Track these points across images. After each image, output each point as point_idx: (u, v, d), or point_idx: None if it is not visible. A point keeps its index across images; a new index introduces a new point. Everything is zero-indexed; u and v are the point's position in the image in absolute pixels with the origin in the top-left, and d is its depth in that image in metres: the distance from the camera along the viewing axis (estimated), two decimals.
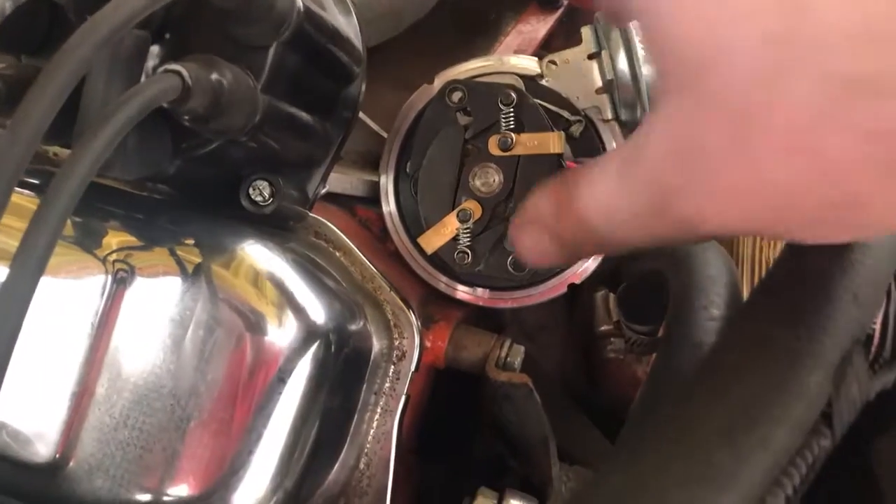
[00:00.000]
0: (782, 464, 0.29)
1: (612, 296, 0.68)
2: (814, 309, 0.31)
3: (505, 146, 0.52)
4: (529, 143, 0.53)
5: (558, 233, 0.34)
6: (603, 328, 0.68)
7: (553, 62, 0.55)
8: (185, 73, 0.35)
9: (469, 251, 0.54)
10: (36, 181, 0.46)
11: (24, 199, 0.44)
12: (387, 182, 0.58)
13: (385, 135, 0.62)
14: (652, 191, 0.29)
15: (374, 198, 0.60)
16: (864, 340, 0.32)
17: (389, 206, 0.59)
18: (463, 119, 0.54)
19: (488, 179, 0.53)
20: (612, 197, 0.31)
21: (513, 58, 0.57)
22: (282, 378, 0.43)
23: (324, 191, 0.55)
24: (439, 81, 0.56)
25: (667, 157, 0.27)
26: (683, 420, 0.29)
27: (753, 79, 0.24)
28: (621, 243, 0.33)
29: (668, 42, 0.27)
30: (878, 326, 0.35)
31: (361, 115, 0.60)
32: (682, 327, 0.40)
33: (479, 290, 0.58)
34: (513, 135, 0.52)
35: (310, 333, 0.45)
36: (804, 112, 0.24)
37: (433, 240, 0.55)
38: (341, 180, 0.62)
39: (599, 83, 0.53)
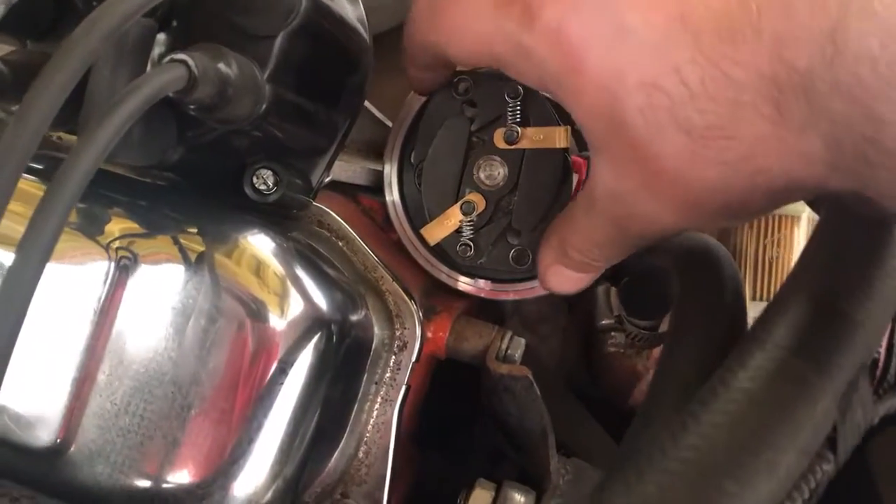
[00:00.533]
0: (787, 489, 0.29)
1: (613, 290, 0.68)
2: (826, 338, 0.32)
3: (511, 139, 0.52)
4: (535, 137, 0.52)
5: (570, 267, 0.47)
6: (604, 322, 0.68)
7: None
8: (191, 62, 0.35)
9: (471, 244, 0.54)
10: (40, 166, 0.46)
11: (27, 185, 0.44)
12: (391, 171, 0.58)
13: (390, 124, 0.62)
14: (612, 219, 0.41)
15: (377, 187, 0.60)
16: (870, 365, 0.33)
17: (393, 195, 0.58)
18: (469, 111, 0.54)
19: (493, 172, 0.53)
20: (587, 232, 0.44)
21: None
22: (283, 368, 0.43)
23: (328, 179, 0.55)
24: None
25: (610, 197, 0.40)
26: (691, 440, 0.29)
27: (640, 140, 0.35)
28: (610, 258, 0.45)
29: (578, 115, 0.38)
30: (882, 351, 0.35)
31: (366, 103, 0.60)
32: (687, 329, 0.40)
33: (481, 282, 0.58)
34: (519, 128, 0.52)
35: (312, 323, 0.45)
36: (679, 154, 0.34)
37: (436, 231, 0.55)
38: (345, 168, 0.61)
39: None
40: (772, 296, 0.71)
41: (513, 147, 0.52)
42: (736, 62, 0.31)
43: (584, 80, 0.36)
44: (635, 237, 0.42)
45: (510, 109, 0.52)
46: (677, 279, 0.45)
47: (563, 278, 0.48)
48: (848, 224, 0.37)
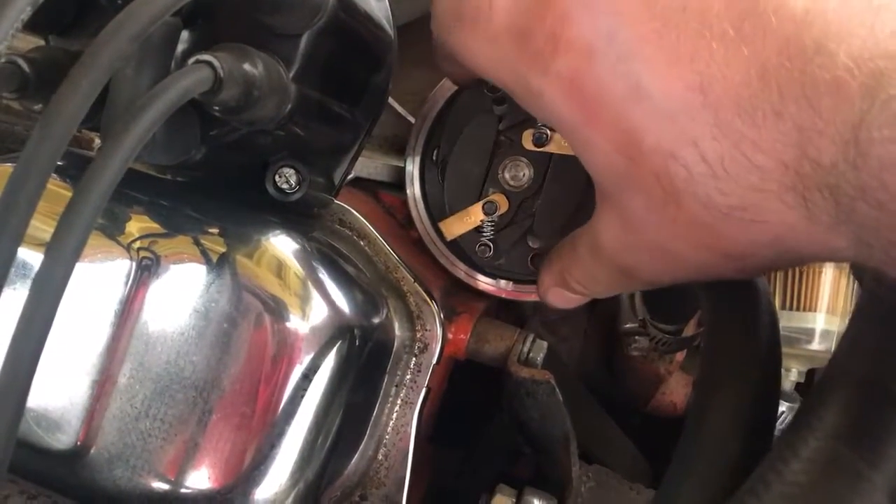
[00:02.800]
0: None
1: (638, 293, 0.67)
2: (879, 427, 0.32)
3: (539, 142, 0.51)
4: (564, 142, 0.51)
5: (570, 292, 0.47)
6: (628, 326, 0.67)
7: None
8: (216, 63, 0.34)
9: (491, 244, 0.53)
10: (60, 162, 0.45)
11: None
12: (413, 167, 0.57)
13: (412, 119, 0.61)
14: (617, 266, 0.41)
15: (398, 183, 0.59)
16: None
17: (414, 191, 0.57)
18: (498, 109, 0.52)
19: (518, 173, 0.52)
20: (591, 271, 0.44)
21: None
22: (305, 373, 0.43)
23: (350, 177, 0.54)
24: None
25: (617, 247, 0.40)
26: None
27: (654, 203, 0.35)
28: (610, 292, 0.47)
29: (588, 165, 0.38)
30: None
31: (389, 99, 0.59)
32: (721, 381, 0.39)
33: (503, 282, 0.58)
34: (548, 131, 0.51)
35: (335, 328, 0.44)
36: (694, 223, 0.34)
37: (455, 226, 0.54)
38: (366, 165, 0.61)
39: None
40: (801, 306, 0.70)
41: (540, 150, 0.51)
42: (758, 147, 0.30)
43: (597, 134, 0.35)
44: (638, 284, 0.43)
45: None
46: (707, 298, 0.43)
47: (563, 299, 0.48)
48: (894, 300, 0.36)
